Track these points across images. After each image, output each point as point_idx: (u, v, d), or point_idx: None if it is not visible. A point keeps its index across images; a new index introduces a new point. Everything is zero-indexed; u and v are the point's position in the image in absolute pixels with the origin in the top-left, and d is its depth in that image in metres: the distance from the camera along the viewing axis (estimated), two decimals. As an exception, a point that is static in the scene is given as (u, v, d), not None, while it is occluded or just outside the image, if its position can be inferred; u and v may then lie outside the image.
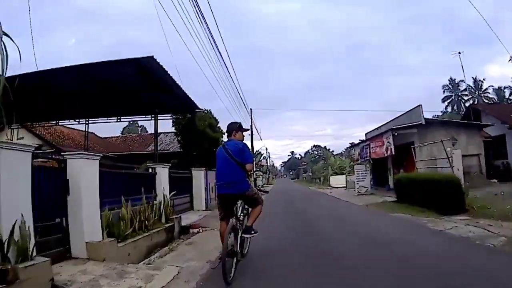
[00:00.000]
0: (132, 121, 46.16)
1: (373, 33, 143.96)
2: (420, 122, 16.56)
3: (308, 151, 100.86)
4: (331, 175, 47.48)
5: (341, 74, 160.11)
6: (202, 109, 14.65)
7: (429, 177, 10.73)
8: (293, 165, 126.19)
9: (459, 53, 25.99)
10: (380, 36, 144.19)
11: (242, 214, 4.98)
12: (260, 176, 46.53)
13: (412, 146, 14.06)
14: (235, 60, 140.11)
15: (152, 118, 15.39)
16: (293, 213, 12.29)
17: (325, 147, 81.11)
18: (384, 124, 21.65)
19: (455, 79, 57.16)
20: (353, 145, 24.56)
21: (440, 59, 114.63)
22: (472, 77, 54.50)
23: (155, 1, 18.92)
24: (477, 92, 53.71)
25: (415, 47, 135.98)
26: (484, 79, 54.41)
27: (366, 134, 26.59)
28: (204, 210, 13.10)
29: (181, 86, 11.33)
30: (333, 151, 79.73)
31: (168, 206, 8.79)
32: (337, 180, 39.62)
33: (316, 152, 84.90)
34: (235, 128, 4.96)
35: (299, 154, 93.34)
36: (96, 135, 32.11)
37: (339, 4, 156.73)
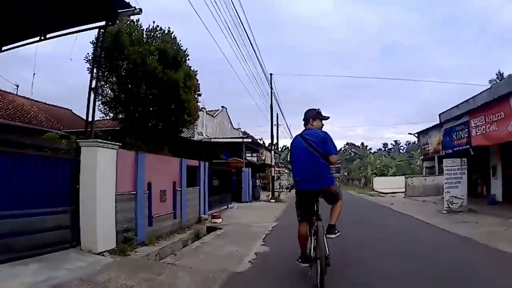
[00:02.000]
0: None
1: (406, 33, 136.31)
2: None
3: (340, 149, 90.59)
4: (370, 175, 38.65)
5: (374, 74, 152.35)
6: (138, 10, 6.27)
7: None
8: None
9: None
10: (413, 37, 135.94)
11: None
12: (285, 175, 37.89)
13: None
14: (267, 59, 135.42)
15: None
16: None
17: (362, 143, 70.52)
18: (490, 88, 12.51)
19: (503, 73, 47.07)
20: (426, 130, 15.52)
21: (473, 62, 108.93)
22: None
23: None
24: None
25: (448, 49, 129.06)
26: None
27: (440, 115, 17.54)
28: (104, 253, 4.94)
29: None
30: (370, 148, 69.70)
31: None
32: (383, 183, 30.53)
33: (350, 151, 74.74)
34: (312, 115, 4.28)
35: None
36: (73, 112, 25.29)
37: (372, 4, 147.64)
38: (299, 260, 4.02)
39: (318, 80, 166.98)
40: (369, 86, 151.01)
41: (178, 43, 11.30)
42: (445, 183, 11.73)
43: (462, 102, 15.07)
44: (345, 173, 55.32)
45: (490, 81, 46.19)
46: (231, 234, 7.89)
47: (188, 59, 11.51)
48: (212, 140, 21.76)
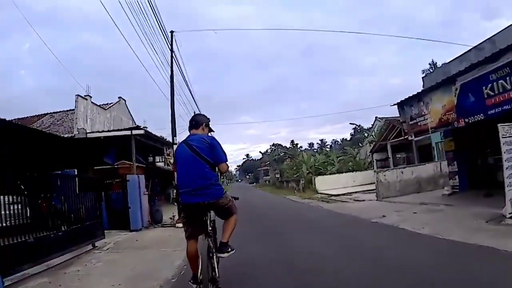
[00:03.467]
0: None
1: (328, 35, 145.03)
2: None
3: (266, 151, 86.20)
4: (307, 174, 33.54)
5: (296, 76, 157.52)
6: None
7: None
8: (249, 167, 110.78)
9: None
10: (335, 38, 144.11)
11: (210, 227, 3.50)
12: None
13: None
14: (189, 64, 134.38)
15: None
16: None
17: (292, 141, 65.91)
18: None
19: (436, 62, 47.70)
20: (416, 96, 10.04)
21: (394, 60, 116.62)
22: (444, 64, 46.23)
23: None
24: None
25: (370, 48, 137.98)
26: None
27: (423, 78, 12.47)
28: None
29: None
30: (301, 146, 65.74)
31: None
32: (328, 183, 25.12)
33: (278, 151, 70.45)
34: (206, 121, 3.69)
35: (260, 152, 78.56)
36: None
37: (294, 7, 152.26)
38: (191, 281, 3.37)
39: (239, 87, 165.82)
40: (291, 89, 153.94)
41: None
42: (506, 168, 6.11)
43: (460, 56, 9.95)
44: (277, 175, 49.98)
45: (423, 71, 45.65)
46: None
47: None
48: (88, 135, 14.01)
